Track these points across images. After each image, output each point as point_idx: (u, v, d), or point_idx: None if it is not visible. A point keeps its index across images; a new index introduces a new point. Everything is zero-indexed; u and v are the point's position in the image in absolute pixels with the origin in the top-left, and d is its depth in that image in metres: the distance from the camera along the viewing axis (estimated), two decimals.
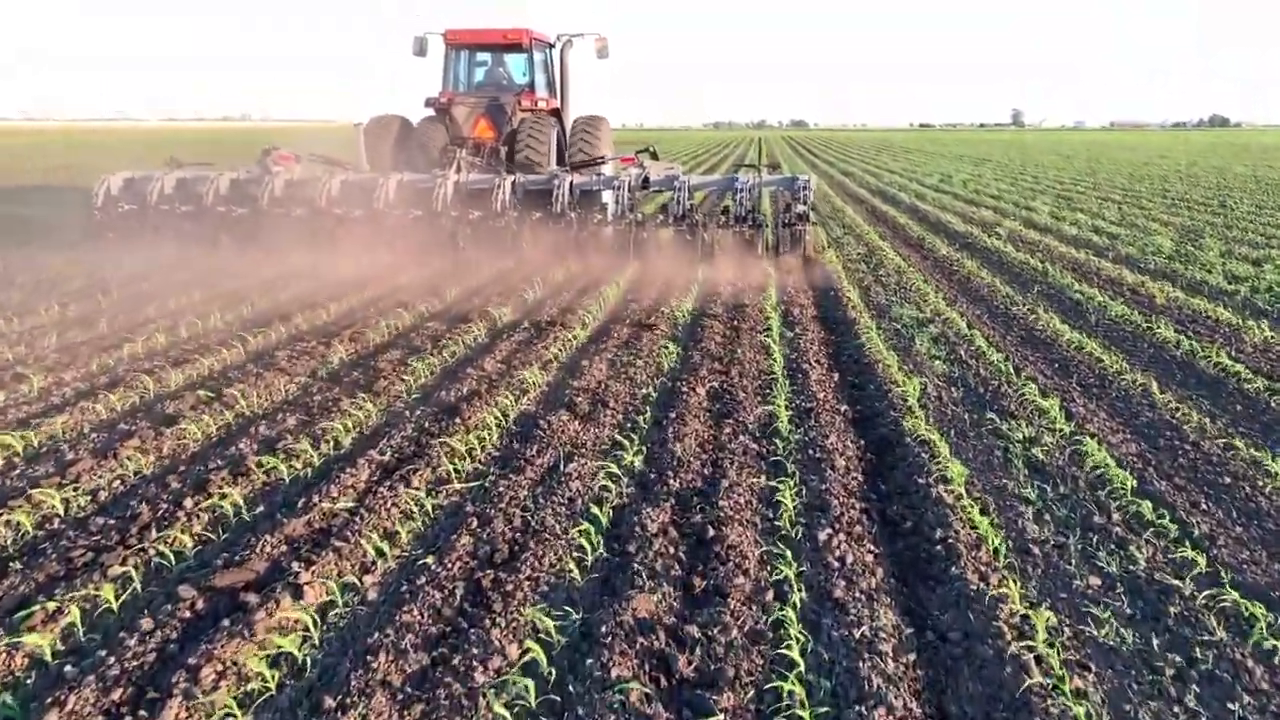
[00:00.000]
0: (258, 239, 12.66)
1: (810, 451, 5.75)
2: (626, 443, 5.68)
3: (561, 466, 5.42)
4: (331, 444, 5.79)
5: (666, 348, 8.13)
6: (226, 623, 3.68)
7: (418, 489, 5.07)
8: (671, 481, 5.21)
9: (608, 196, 13.17)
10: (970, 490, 5.18)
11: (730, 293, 10.95)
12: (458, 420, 6.15)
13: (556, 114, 15.62)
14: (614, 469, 5.21)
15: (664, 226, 12.81)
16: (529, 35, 14.96)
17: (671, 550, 4.41)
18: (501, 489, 5.08)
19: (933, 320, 9.70)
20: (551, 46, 15.84)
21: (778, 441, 5.87)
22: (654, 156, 14.32)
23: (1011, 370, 7.69)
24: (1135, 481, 5.28)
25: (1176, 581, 4.21)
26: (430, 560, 4.27)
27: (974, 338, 8.71)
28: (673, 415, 6.34)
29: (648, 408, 6.61)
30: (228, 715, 3.14)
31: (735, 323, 9.39)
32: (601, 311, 9.99)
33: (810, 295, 11.15)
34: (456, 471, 5.35)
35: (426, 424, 6.14)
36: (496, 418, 6.25)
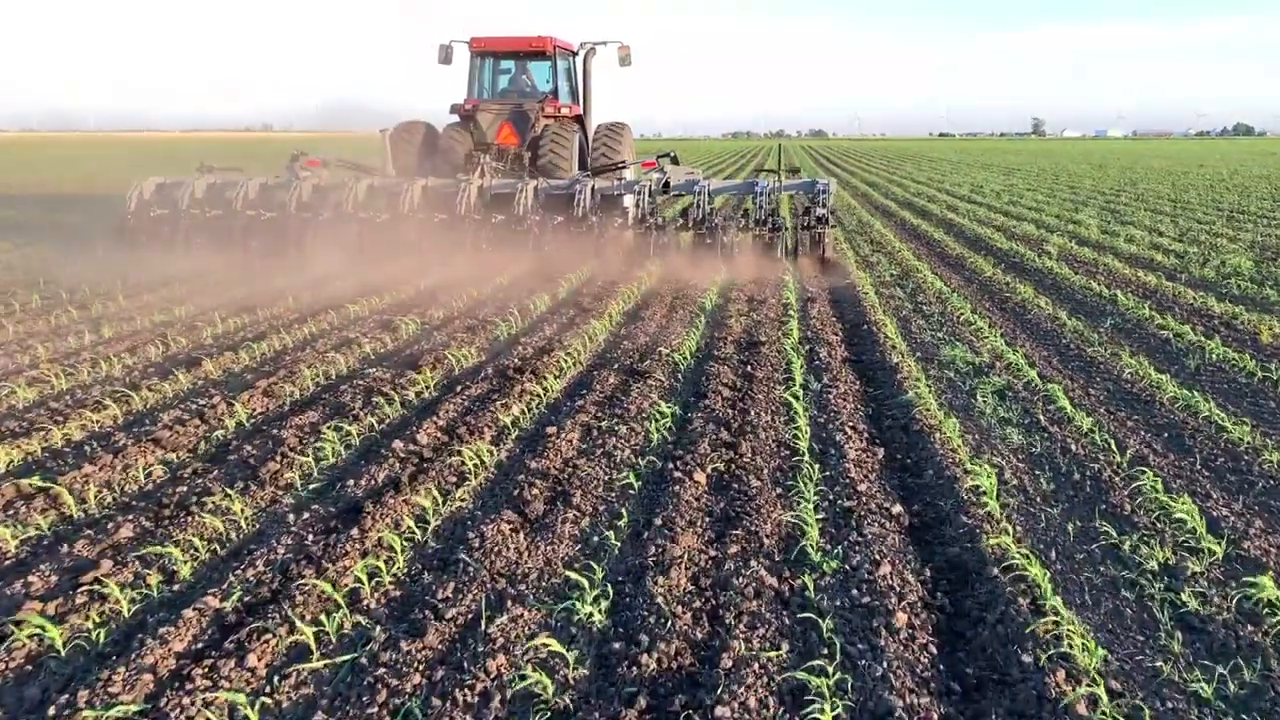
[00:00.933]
0: (285, 242, 12.61)
1: (854, 593, 3.93)
2: (585, 582, 3.88)
3: (484, 625, 3.63)
4: (162, 578, 4.03)
5: (659, 408, 6.32)
6: None
7: (253, 670, 3.30)
8: (646, 658, 3.41)
9: (629, 201, 13.19)
10: (1106, 676, 3.35)
11: (743, 326, 9.16)
12: (354, 532, 4.38)
13: (579, 120, 15.57)
14: (556, 646, 3.40)
15: (684, 230, 12.80)
16: (553, 43, 15.07)
17: None
18: (381, 671, 3.30)
19: (993, 366, 7.85)
20: (574, 54, 15.79)
21: (806, 573, 4.06)
22: (675, 161, 14.17)
23: (1112, 444, 5.83)
24: None
25: None
26: None
27: (1052, 393, 6.84)
28: (658, 522, 4.55)
29: (625, 506, 4.82)
30: None
31: (749, 367, 7.59)
32: (586, 351, 8.21)
33: (839, 330, 9.33)
34: (323, 634, 3.57)
35: (310, 538, 4.38)
36: (409, 528, 4.48)
